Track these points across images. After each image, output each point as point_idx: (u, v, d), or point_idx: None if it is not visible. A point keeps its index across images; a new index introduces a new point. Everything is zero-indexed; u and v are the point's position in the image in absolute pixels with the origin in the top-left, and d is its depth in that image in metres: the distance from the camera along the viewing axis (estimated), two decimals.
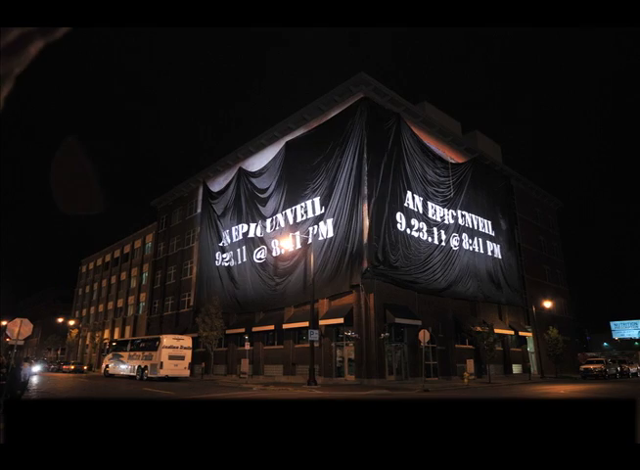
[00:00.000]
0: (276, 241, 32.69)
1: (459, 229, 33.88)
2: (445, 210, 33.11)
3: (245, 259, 35.82)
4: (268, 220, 34.24)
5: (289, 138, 34.73)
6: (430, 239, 30.89)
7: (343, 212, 28.00)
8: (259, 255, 34.35)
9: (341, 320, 26.05)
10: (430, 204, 31.79)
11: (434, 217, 31.83)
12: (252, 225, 35.69)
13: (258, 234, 34.93)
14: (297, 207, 31.66)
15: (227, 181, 40.26)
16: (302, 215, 31.18)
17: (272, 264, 32.99)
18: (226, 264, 37.78)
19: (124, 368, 33.17)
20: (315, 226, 29.65)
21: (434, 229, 31.52)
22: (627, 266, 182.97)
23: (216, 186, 42.03)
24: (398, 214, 28.77)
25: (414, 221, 29.93)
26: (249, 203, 36.63)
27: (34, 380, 29.10)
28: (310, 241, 27.80)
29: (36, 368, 44.49)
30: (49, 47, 1.02)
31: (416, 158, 31.39)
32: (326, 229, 29.02)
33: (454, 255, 32.59)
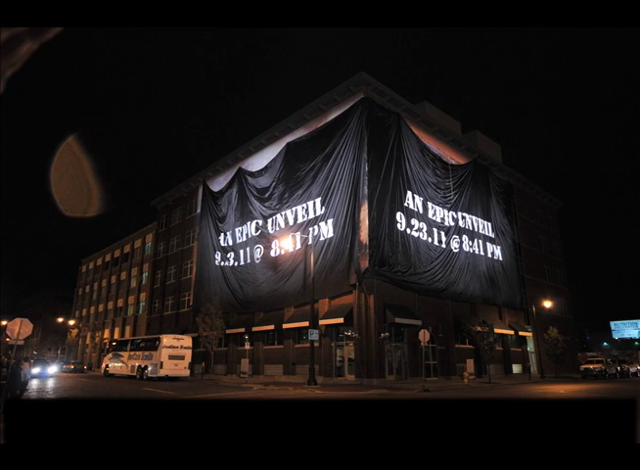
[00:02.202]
0: (276, 241, 32.66)
1: (459, 231, 33.87)
2: (445, 211, 33.10)
3: (245, 260, 35.81)
4: (269, 220, 34.21)
5: (289, 138, 34.70)
6: (430, 239, 30.88)
7: (343, 212, 27.99)
8: (259, 255, 34.33)
9: (341, 320, 26.05)
10: (430, 204, 31.79)
11: (433, 218, 31.82)
12: (253, 226, 35.67)
13: (259, 235, 34.91)
14: (298, 207, 31.63)
15: (227, 181, 40.22)
16: (303, 216, 31.15)
17: (272, 265, 32.97)
18: (226, 264, 37.75)
19: (124, 368, 33.17)
20: (315, 226, 29.65)
21: (435, 230, 31.52)
22: (627, 266, 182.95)
23: (216, 186, 41.99)
24: (398, 214, 28.76)
25: (414, 221, 29.92)
26: (249, 203, 36.60)
27: (50, 383, 27.40)
28: (311, 241, 27.81)
29: (52, 369, 38.34)
30: (43, 47, 1.02)
31: (416, 158, 31.38)
32: (326, 229, 29.01)
33: (454, 257, 32.58)
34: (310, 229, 29.46)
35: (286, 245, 31.17)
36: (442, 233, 32.14)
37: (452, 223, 33.36)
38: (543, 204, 49.59)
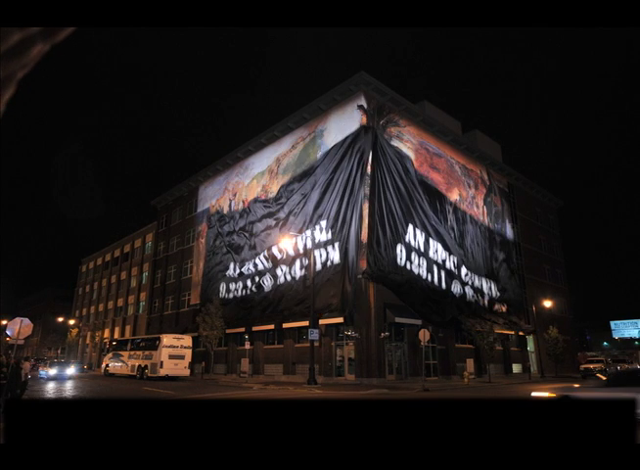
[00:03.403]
0: (283, 266, 32.26)
1: (460, 278, 33.72)
2: (447, 253, 32.94)
3: (252, 289, 35.07)
4: (274, 248, 33.54)
5: (289, 138, 34.70)
6: (429, 276, 30.65)
7: (345, 238, 27.70)
8: (267, 282, 33.70)
9: (341, 320, 26.04)
10: (432, 242, 31.67)
11: (434, 257, 31.59)
12: (258, 259, 35.01)
13: (266, 264, 34.29)
14: (306, 232, 30.81)
15: (232, 199, 39.75)
16: (310, 238, 30.63)
17: (274, 289, 32.65)
18: (231, 296, 36.97)
19: (124, 367, 33.16)
20: (322, 250, 29.20)
21: (434, 266, 31.32)
22: (627, 266, 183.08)
23: (217, 186, 41.94)
24: (399, 246, 28.66)
25: (414, 256, 29.76)
26: (257, 232, 35.97)
27: (69, 385, 25.89)
28: (316, 266, 27.46)
29: (71, 370, 33.90)
30: (53, 49, 1.02)
31: (419, 194, 31.57)
32: (333, 255, 28.58)
33: (454, 297, 32.59)
34: (316, 252, 28.82)
35: (289, 267, 31.27)
36: (443, 272, 31.92)
37: (455, 271, 33.19)
38: (543, 203, 49.61)
